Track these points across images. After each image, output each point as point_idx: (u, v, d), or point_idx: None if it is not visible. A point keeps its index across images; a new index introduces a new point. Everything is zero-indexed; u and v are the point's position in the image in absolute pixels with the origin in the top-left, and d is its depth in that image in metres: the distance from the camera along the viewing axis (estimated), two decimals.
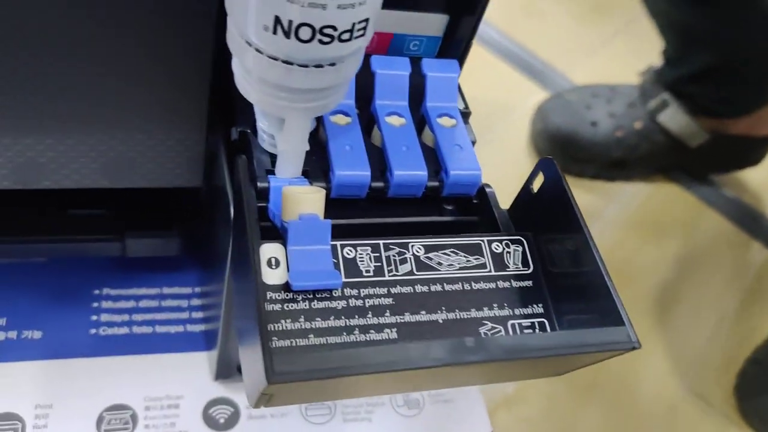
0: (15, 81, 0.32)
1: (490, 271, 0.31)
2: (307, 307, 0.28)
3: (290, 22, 0.23)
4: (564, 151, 0.85)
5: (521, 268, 0.31)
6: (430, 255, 0.30)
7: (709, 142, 0.85)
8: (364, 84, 0.34)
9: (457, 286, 0.30)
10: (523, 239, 0.32)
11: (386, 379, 0.27)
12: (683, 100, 0.83)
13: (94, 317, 0.45)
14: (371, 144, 0.34)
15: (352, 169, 0.31)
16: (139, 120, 0.36)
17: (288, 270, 0.28)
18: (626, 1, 1.13)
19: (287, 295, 0.28)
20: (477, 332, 0.29)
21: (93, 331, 0.45)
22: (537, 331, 0.30)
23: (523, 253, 0.32)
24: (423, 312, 0.29)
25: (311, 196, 0.28)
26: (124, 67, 0.33)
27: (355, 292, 0.29)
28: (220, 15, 0.32)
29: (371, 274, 0.29)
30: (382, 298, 0.29)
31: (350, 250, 0.30)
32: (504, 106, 0.93)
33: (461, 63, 0.37)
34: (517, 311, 0.30)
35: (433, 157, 0.34)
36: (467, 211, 0.35)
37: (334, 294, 0.28)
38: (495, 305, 0.30)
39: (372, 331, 0.28)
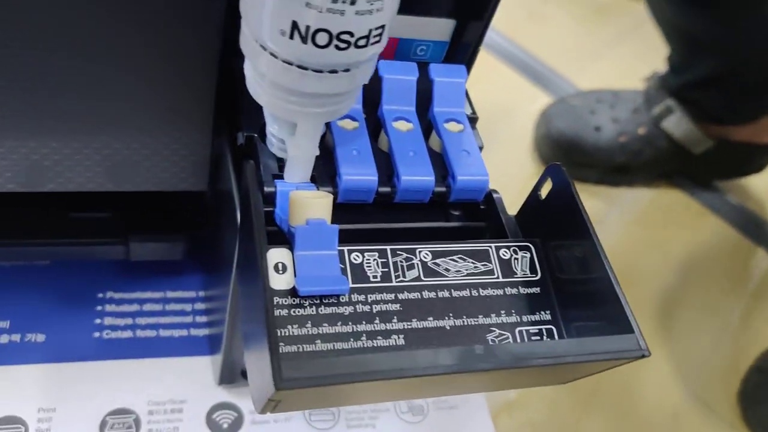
0: (20, 84, 0.32)
1: (497, 278, 0.31)
2: (314, 312, 0.28)
3: (308, 27, 0.23)
4: (567, 156, 0.85)
5: (529, 275, 0.31)
6: (438, 261, 0.30)
7: (713, 148, 0.85)
8: (372, 89, 0.34)
9: (465, 293, 0.30)
10: (530, 245, 0.32)
11: (393, 386, 0.27)
12: (688, 106, 0.83)
13: (98, 321, 0.45)
14: (378, 149, 0.34)
15: (359, 173, 0.31)
16: (145, 123, 0.36)
17: (295, 275, 0.28)
18: (630, 6, 1.13)
19: (294, 301, 0.28)
20: (484, 339, 0.29)
21: (96, 334, 0.45)
22: (545, 337, 0.30)
23: (531, 259, 0.31)
24: (430, 318, 0.29)
25: (319, 201, 0.28)
26: (129, 70, 0.33)
27: (362, 297, 0.29)
28: (227, 18, 0.32)
29: (378, 279, 0.29)
30: (390, 304, 0.29)
31: (357, 256, 0.30)
32: (507, 111, 0.93)
33: (468, 68, 0.37)
34: (524, 318, 0.30)
35: (441, 163, 0.33)
36: (474, 216, 0.34)
37: (341, 299, 0.28)
38: (502, 312, 0.30)
39: (379, 337, 0.28)
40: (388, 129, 0.33)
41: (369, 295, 0.29)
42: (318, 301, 0.28)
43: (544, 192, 0.32)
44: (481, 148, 0.34)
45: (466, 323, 0.29)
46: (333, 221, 0.29)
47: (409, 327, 0.29)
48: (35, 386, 0.42)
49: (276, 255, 0.28)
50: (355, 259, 0.29)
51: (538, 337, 0.30)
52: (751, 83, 0.80)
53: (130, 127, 0.36)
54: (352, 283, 0.29)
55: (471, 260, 0.31)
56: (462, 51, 0.37)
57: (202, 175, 0.39)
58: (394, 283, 0.29)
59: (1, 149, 0.35)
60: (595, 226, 0.29)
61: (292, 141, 0.29)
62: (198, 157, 0.38)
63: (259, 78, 0.27)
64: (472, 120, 0.35)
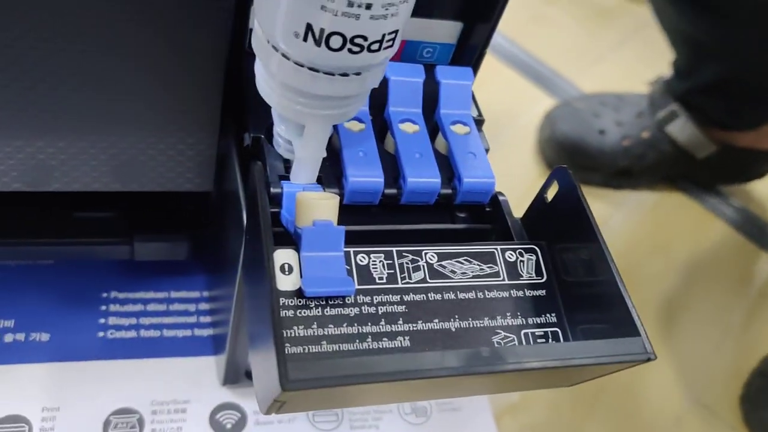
0: (27, 84, 0.32)
1: (503, 280, 0.31)
2: (320, 313, 0.28)
3: (322, 30, 0.23)
4: (571, 159, 0.85)
5: (535, 277, 0.31)
6: (443, 263, 0.30)
7: (717, 153, 0.85)
8: (378, 90, 0.33)
9: (471, 295, 0.30)
10: (536, 248, 0.32)
11: (398, 388, 0.27)
12: (692, 111, 0.83)
13: (102, 320, 0.45)
14: (384, 151, 0.34)
15: (365, 175, 0.31)
16: (151, 123, 0.36)
17: (301, 276, 0.28)
18: (633, 9, 1.13)
19: (300, 302, 0.28)
20: (490, 341, 0.29)
21: (101, 334, 0.45)
22: (550, 340, 0.30)
23: (537, 261, 0.31)
24: (436, 320, 0.29)
25: (325, 203, 0.28)
26: (136, 70, 0.33)
27: (368, 299, 0.29)
28: (235, 19, 0.32)
29: (384, 281, 0.29)
30: (395, 306, 0.29)
31: (363, 257, 0.30)
32: (511, 113, 0.92)
33: (474, 71, 0.37)
34: (530, 320, 0.30)
35: (447, 165, 0.33)
36: (480, 218, 0.34)
37: (347, 301, 0.28)
38: (508, 314, 0.30)
39: (385, 338, 0.28)
40: (394, 131, 0.33)
41: (375, 297, 0.29)
42: (324, 303, 0.28)
43: (551, 195, 0.32)
44: (487, 151, 0.34)
45: (471, 325, 0.29)
46: (339, 222, 0.29)
47: (415, 329, 0.29)
48: (39, 385, 0.42)
49: (282, 256, 0.28)
50: (361, 261, 0.29)
51: (544, 340, 0.30)
52: (756, 90, 0.80)
53: (136, 127, 0.36)
54: (358, 284, 0.29)
55: (477, 262, 0.31)
56: (468, 53, 0.37)
57: (208, 175, 0.39)
58: (399, 285, 0.29)
59: (8, 148, 0.35)
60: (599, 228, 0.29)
61: (299, 142, 0.29)
62: (204, 157, 0.38)
63: (269, 78, 0.27)
64: (479, 122, 0.35)
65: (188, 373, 0.44)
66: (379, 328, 0.28)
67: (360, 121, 0.33)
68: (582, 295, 0.30)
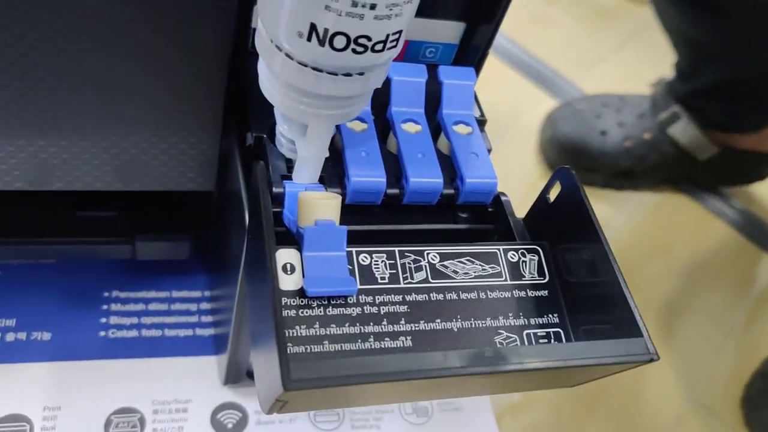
0: (29, 83, 0.32)
1: (505, 280, 0.31)
2: (322, 313, 0.28)
3: (326, 30, 0.23)
4: (573, 160, 0.85)
5: (537, 278, 0.31)
6: (446, 263, 0.30)
7: (718, 155, 0.85)
8: (381, 90, 0.33)
9: (473, 295, 0.30)
10: (539, 248, 0.32)
11: (400, 388, 0.27)
12: (694, 113, 0.83)
13: (104, 320, 0.45)
14: (387, 151, 0.34)
15: (367, 175, 0.31)
16: (153, 123, 0.36)
17: (303, 276, 0.28)
18: (634, 9, 1.13)
19: (302, 301, 0.28)
20: (492, 341, 0.29)
21: (102, 333, 0.45)
22: (552, 341, 0.30)
23: (539, 262, 0.31)
24: (438, 320, 0.29)
25: (328, 202, 0.28)
26: (139, 69, 0.33)
27: (370, 299, 0.29)
28: (238, 20, 0.32)
29: (386, 281, 0.29)
30: (397, 306, 0.29)
31: (365, 257, 0.30)
32: (512, 114, 0.92)
33: (477, 71, 0.37)
34: (532, 321, 0.30)
35: (449, 165, 0.33)
36: (482, 219, 0.34)
37: (349, 301, 0.28)
38: (510, 314, 0.30)
39: (387, 338, 0.28)
40: (396, 131, 0.33)
41: (377, 297, 0.29)
42: (326, 302, 0.28)
43: (553, 195, 0.32)
44: (489, 151, 0.34)
45: (473, 325, 0.29)
46: (341, 222, 0.29)
47: (417, 329, 0.29)
48: (41, 385, 0.42)
49: (284, 255, 0.28)
50: (363, 261, 0.29)
51: (546, 340, 0.30)
52: (757, 92, 0.80)
53: (138, 127, 0.36)
54: (360, 284, 0.29)
55: (479, 262, 0.31)
56: (471, 54, 0.37)
57: (210, 175, 0.39)
58: (402, 285, 0.29)
59: (10, 148, 0.35)
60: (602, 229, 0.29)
61: (302, 142, 0.29)
62: (206, 157, 0.38)
63: (273, 78, 0.27)
64: (481, 122, 0.35)
65: (189, 373, 0.44)
66: (381, 328, 0.28)
67: (362, 120, 0.33)
68: (584, 295, 0.30)
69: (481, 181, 0.33)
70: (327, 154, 0.30)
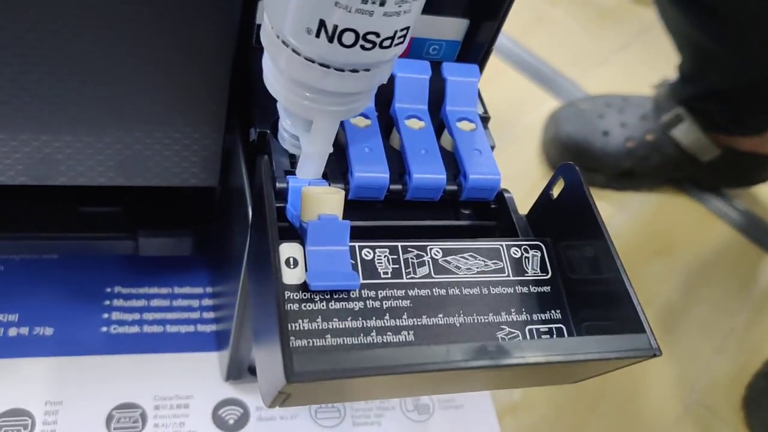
0: (34, 77, 0.32)
1: (508, 276, 0.31)
2: (325, 307, 0.28)
3: (335, 26, 0.23)
4: (575, 160, 0.85)
5: (539, 274, 0.31)
6: (449, 258, 0.30)
7: (720, 157, 0.85)
8: (384, 87, 0.33)
9: (475, 290, 0.30)
10: (541, 244, 0.32)
11: (402, 382, 0.27)
12: (697, 115, 0.83)
13: (106, 315, 0.45)
14: (390, 147, 0.34)
15: (370, 171, 0.31)
16: (157, 118, 0.36)
17: (306, 270, 0.28)
18: (636, 10, 1.13)
19: (305, 295, 0.28)
20: (494, 337, 0.29)
21: (104, 329, 0.45)
22: (554, 336, 0.30)
23: (542, 258, 0.31)
24: (440, 315, 0.29)
25: (331, 197, 0.28)
26: (142, 65, 0.33)
27: (372, 293, 0.29)
28: (243, 15, 0.32)
29: (389, 276, 0.29)
30: (400, 301, 0.29)
31: (368, 252, 0.30)
32: (515, 114, 0.93)
33: (481, 68, 0.37)
34: (534, 316, 0.30)
35: (452, 161, 0.33)
36: (485, 215, 0.34)
37: (351, 295, 0.28)
38: (513, 310, 0.30)
39: (389, 333, 0.28)
40: (400, 127, 0.34)
41: (379, 291, 0.29)
42: (328, 296, 0.28)
43: (556, 191, 0.32)
44: (492, 148, 0.34)
45: (476, 321, 0.29)
46: (344, 218, 0.29)
47: (419, 323, 0.29)
48: (42, 379, 0.42)
49: (287, 250, 0.28)
50: (366, 255, 0.29)
51: (548, 336, 0.30)
52: (760, 96, 0.80)
53: (142, 122, 0.36)
54: (363, 279, 0.29)
55: (482, 258, 0.31)
56: (475, 51, 0.37)
57: (213, 170, 0.39)
58: (404, 280, 0.29)
59: (13, 142, 0.35)
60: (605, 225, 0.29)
61: (307, 138, 0.29)
62: (209, 152, 0.38)
63: (278, 74, 0.27)
64: (485, 119, 0.36)
65: (191, 369, 0.44)
66: (384, 323, 0.28)
67: (366, 117, 0.33)
68: (587, 291, 0.30)
69: (485, 178, 0.33)
70: (332, 150, 0.30)
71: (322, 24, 0.23)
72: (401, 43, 0.25)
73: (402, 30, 0.24)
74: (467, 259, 0.31)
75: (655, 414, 0.69)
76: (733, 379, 0.73)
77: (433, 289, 0.29)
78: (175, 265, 0.48)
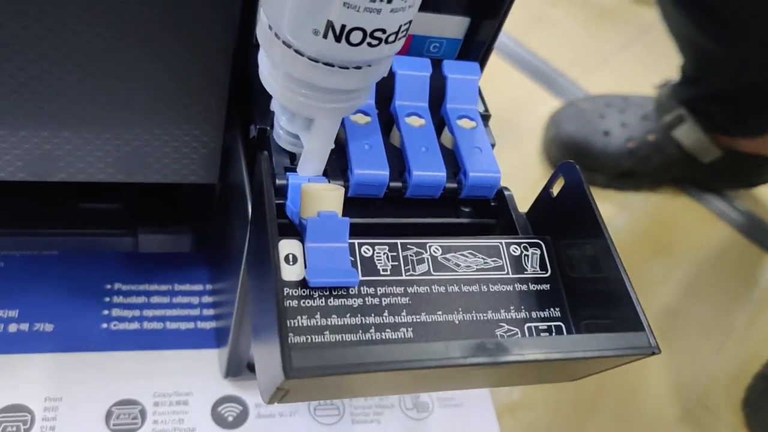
0: (33, 73, 0.32)
1: (507, 274, 0.31)
2: (324, 304, 0.28)
3: (343, 26, 0.23)
4: (576, 160, 0.85)
5: (539, 272, 0.31)
6: (448, 256, 0.30)
7: (721, 158, 0.85)
8: (385, 84, 0.34)
9: (474, 288, 0.30)
10: (541, 242, 0.32)
11: (401, 378, 0.27)
12: (698, 116, 0.83)
13: (106, 312, 0.45)
14: (390, 144, 0.34)
15: (370, 168, 0.31)
16: (157, 115, 0.36)
17: (305, 266, 0.28)
18: (637, 11, 1.13)
19: (304, 292, 0.28)
20: (493, 334, 0.29)
21: (104, 325, 0.45)
22: (554, 334, 0.30)
23: (542, 256, 0.31)
24: (439, 312, 0.29)
25: (331, 194, 0.28)
26: (142, 62, 0.33)
27: (371, 290, 0.29)
28: (243, 11, 0.32)
29: (388, 273, 0.29)
30: (399, 298, 0.29)
31: (368, 249, 0.30)
32: (515, 113, 0.93)
33: (481, 66, 0.37)
34: (534, 314, 0.30)
35: (452, 159, 0.33)
36: (485, 213, 0.34)
37: (350, 292, 0.28)
38: (512, 308, 0.30)
39: (388, 329, 0.28)
40: (400, 124, 0.34)
41: (378, 288, 0.29)
42: (327, 293, 0.28)
43: (556, 190, 0.32)
44: (493, 146, 0.34)
45: (475, 318, 0.29)
46: (344, 215, 0.29)
47: (418, 320, 0.29)
48: (42, 375, 0.42)
49: (287, 246, 0.28)
50: (365, 252, 0.29)
51: (547, 334, 0.30)
52: (763, 98, 0.80)
53: (142, 119, 0.36)
54: (362, 275, 0.29)
55: (481, 256, 0.31)
56: (475, 49, 0.37)
57: (213, 167, 0.39)
58: (403, 277, 0.29)
59: (13, 138, 0.35)
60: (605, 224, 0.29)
61: (308, 136, 0.29)
62: (209, 149, 0.38)
63: (277, 74, 0.27)
64: (485, 117, 0.35)
65: (191, 366, 0.44)
66: (383, 319, 0.28)
67: (366, 114, 0.33)
68: (586, 290, 0.30)
69: (485, 176, 0.33)
70: (333, 146, 0.30)
71: (329, 25, 0.23)
72: (404, 36, 0.25)
73: (406, 24, 0.25)
74: (466, 256, 0.31)
75: (655, 414, 0.69)
76: (732, 379, 0.73)
77: (432, 287, 0.29)
78: (175, 262, 0.48)
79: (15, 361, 0.42)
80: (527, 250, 0.31)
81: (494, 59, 0.37)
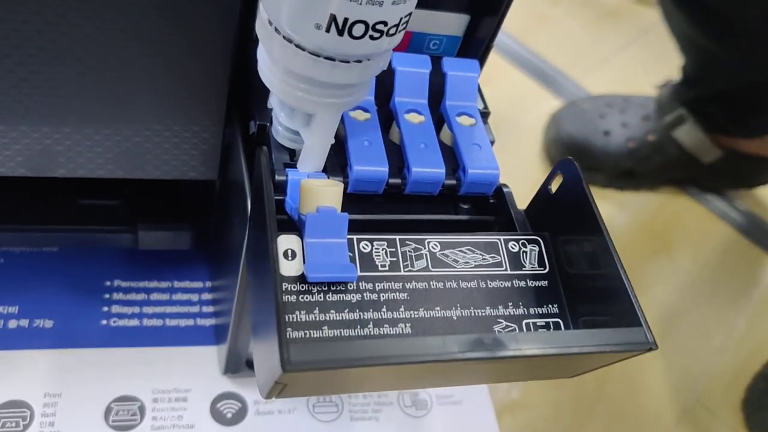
0: (33, 68, 0.32)
1: (506, 270, 0.31)
2: (322, 299, 0.28)
3: (345, 19, 0.23)
4: (576, 160, 0.85)
5: (537, 268, 0.31)
6: (446, 252, 0.30)
7: (722, 158, 0.85)
8: (384, 80, 0.34)
9: (473, 284, 0.30)
10: (539, 239, 0.32)
11: (399, 373, 0.27)
12: (699, 117, 0.83)
13: (105, 308, 0.45)
14: (390, 141, 0.34)
15: (370, 164, 0.31)
16: (157, 111, 0.36)
17: (304, 262, 0.28)
18: (638, 11, 1.13)
19: (302, 287, 0.28)
20: (491, 330, 0.29)
21: (104, 322, 0.45)
22: (552, 330, 0.30)
23: (540, 253, 0.32)
24: (437, 308, 0.29)
25: (330, 189, 0.28)
26: (142, 57, 0.33)
27: (370, 286, 0.29)
28: (243, 7, 0.32)
29: (387, 268, 0.29)
30: (397, 293, 0.29)
31: (366, 245, 0.30)
32: (516, 113, 0.93)
33: (481, 64, 0.37)
34: (532, 310, 0.30)
35: (451, 156, 0.33)
36: (483, 210, 0.34)
37: (349, 287, 0.28)
38: (510, 304, 0.30)
39: (386, 325, 0.28)
40: (399, 121, 0.34)
41: (377, 284, 0.29)
42: (326, 288, 0.28)
43: (554, 186, 0.32)
44: (492, 143, 0.34)
45: (473, 314, 0.29)
46: (342, 211, 0.29)
47: (416, 316, 0.29)
48: (42, 371, 0.42)
49: (286, 241, 0.28)
50: (364, 248, 0.30)
51: (545, 330, 0.30)
52: (764, 100, 0.80)
53: (141, 115, 0.36)
54: (361, 271, 0.29)
55: (480, 252, 0.31)
56: (475, 47, 0.37)
57: (213, 164, 0.39)
58: (402, 273, 0.29)
59: (13, 134, 0.35)
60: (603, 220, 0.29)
61: (308, 131, 0.29)
62: (209, 145, 0.38)
63: (276, 69, 0.27)
64: (484, 114, 0.36)
65: (190, 363, 0.44)
66: (381, 315, 0.28)
67: (366, 110, 0.33)
68: (584, 286, 0.30)
69: (484, 172, 0.33)
70: (333, 141, 0.30)
71: (332, 19, 0.24)
72: (404, 29, 0.25)
73: (406, 16, 0.25)
74: (465, 252, 0.31)
75: (655, 414, 0.69)
76: (732, 379, 0.73)
77: (431, 282, 0.30)
78: (175, 259, 0.48)
79: (14, 357, 0.42)
80: (525, 247, 0.31)
81: (494, 58, 0.37)
